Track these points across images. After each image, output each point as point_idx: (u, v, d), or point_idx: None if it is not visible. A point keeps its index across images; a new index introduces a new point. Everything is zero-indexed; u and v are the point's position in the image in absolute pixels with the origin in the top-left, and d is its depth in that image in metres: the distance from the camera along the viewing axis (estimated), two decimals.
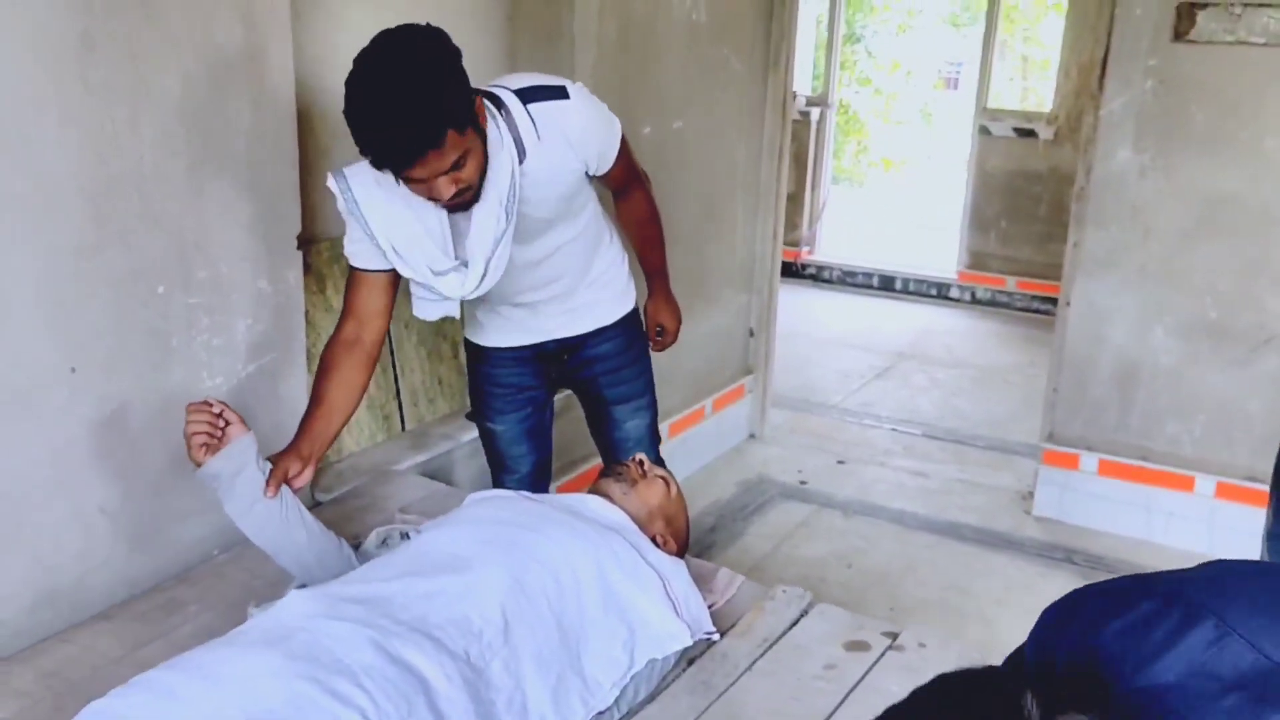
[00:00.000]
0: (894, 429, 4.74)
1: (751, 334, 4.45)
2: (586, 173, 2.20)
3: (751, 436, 4.54)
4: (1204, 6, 3.37)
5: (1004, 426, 4.77)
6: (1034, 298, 6.81)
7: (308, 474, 2.02)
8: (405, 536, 2.12)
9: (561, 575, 1.78)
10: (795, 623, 2.09)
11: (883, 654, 1.99)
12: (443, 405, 3.06)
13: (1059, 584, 3.41)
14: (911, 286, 7.21)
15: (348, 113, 1.80)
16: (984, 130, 7.02)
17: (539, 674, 1.67)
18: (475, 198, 1.98)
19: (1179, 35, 3.40)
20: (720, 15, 3.73)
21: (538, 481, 2.60)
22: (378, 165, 1.85)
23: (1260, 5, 3.26)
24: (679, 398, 3.97)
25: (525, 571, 1.75)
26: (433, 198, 1.91)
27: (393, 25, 2.76)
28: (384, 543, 2.11)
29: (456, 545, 1.80)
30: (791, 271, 7.05)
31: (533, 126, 2.04)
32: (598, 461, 3.25)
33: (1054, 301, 7.06)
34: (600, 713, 1.72)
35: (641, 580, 1.87)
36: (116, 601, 2.09)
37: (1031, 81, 12.22)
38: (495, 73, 3.14)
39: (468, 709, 1.53)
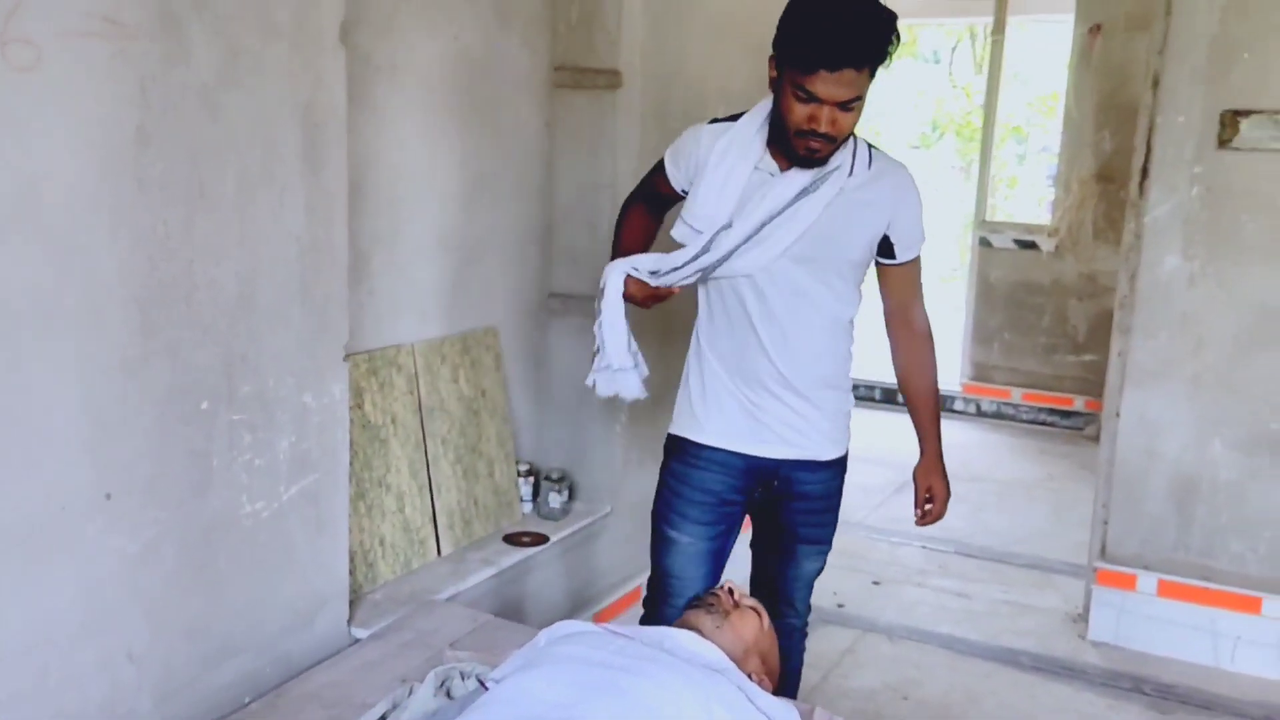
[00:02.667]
0: (925, 546, 4.54)
1: None
2: (884, 243, 2.15)
3: None
4: (1247, 114, 3.33)
5: (1039, 543, 4.59)
6: (1041, 409, 6.72)
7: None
8: (465, 678, 1.91)
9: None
10: None
11: None
12: (479, 529, 2.85)
13: (1131, 716, 3.20)
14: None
15: (802, 6, 1.90)
16: (984, 242, 7.01)
17: None
18: (824, 161, 2.00)
19: (1223, 143, 3.35)
20: None
21: None
22: (808, 60, 1.87)
23: None
24: None
25: (629, 718, 1.54)
26: (815, 127, 1.92)
27: (437, 132, 2.72)
28: (443, 685, 1.88)
29: (554, 690, 1.58)
30: None
31: (868, 158, 2.09)
32: (634, 586, 3.05)
33: (1063, 414, 7.12)
34: None
35: None
36: None
37: (997, 199, 12.47)
38: (535, 185, 3.05)
39: None
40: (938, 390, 2.34)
